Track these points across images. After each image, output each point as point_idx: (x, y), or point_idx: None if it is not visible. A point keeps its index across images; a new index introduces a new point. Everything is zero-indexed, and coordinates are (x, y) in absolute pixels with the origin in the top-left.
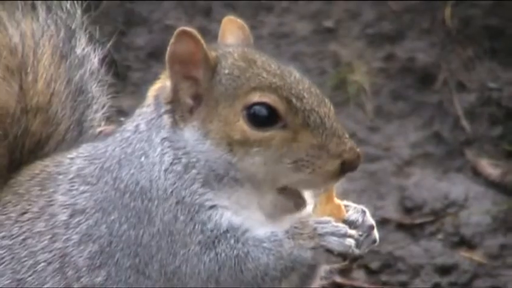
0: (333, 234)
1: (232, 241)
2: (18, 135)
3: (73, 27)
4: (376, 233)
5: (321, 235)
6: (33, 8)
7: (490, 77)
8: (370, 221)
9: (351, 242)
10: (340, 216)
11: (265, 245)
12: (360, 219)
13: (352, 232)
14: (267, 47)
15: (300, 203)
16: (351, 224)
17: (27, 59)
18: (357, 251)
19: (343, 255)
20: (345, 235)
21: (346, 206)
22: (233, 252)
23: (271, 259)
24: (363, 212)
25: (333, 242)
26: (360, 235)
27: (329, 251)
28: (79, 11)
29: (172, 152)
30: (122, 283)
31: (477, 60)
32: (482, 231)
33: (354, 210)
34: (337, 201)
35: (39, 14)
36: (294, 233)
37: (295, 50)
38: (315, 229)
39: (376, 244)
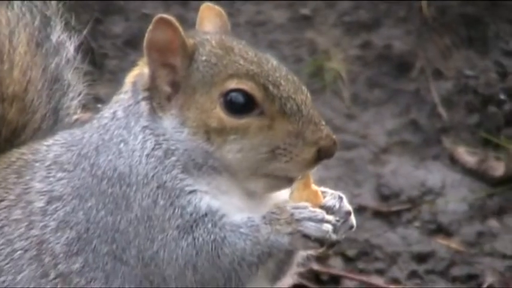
0: (310, 219)
1: (209, 225)
2: None
3: (48, 14)
4: (353, 219)
5: (298, 220)
6: None
7: (466, 64)
8: (347, 206)
9: (328, 227)
10: (317, 202)
11: (242, 230)
12: (337, 205)
13: (330, 217)
14: (244, 35)
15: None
16: (328, 209)
17: (3, 48)
18: (334, 237)
19: (320, 241)
20: (322, 220)
21: (323, 192)
22: (210, 236)
23: (248, 244)
24: (340, 198)
25: (310, 228)
26: (337, 221)
27: (306, 236)
28: None
29: (154, 139)
30: (99, 270)
31: (454, 48)
32: (459, 218)
33: (330, 196)
34: (314, 187)
35: (14, 2)
36: (271, 219)
37: (272, 37)
38: (292, 214)
39: (353, 230)
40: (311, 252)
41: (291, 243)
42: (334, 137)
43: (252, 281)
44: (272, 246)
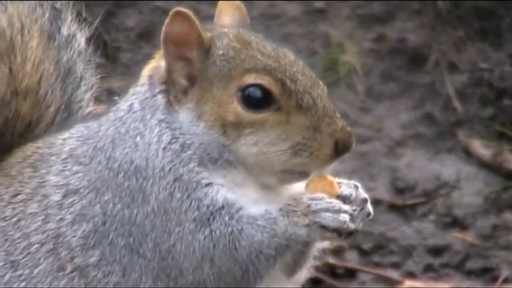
0: (327, 210)
1: (226, 218)
2: (9, 118)
3: (58, 7)
4: (369, 207)
5: (315, 212)
6: None
7: (481, 57)
8: (363, 194)
9: (345, 217)
10: (333, 192)
11: (259, 222)
12: (354, 194)
13: (346, 207)
14: (258, 28)
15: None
16: (345, 199)
17: (16, 42)
18: (351, 226)
19: (338, 231)
20: (339, 211)
21: (338, 182)
22: (227, 229)
23: (265, 237)
24: (356, 186)
25: (327, 218)
26: (354, 210)
27: (323, 227)
28: None
29: (170, 132)
30: (116, 263)
31: (468, 41)
32: (474, 212)
33: (346, 185)
34: (329, 177)
35: None
36: (287, 211)
37: (286, 30)
38: (308, 206)
39: (371, 217)
40: (329, 242)
41: (309, 234)
42: (349, 129)
43: (269, 273)
44: (290, 238)
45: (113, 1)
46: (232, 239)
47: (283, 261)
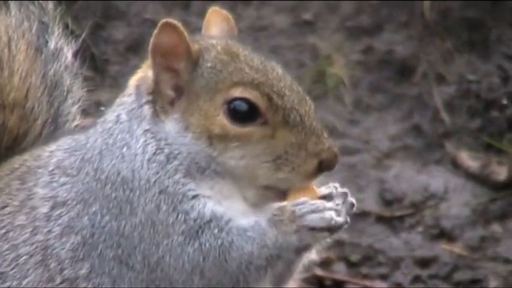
0: (312, 212)
1: (216, 230)
2: None
3: (45, 21)
4: (351, 198)
5: (300, 216)
6: (6, 4)
7: (468, 69)
8: (343, 189)
9: (330, 214)
10: (314, 196)
11: (249, 234)
12: (334, 191)
13: (329, 204)
14: (246, 40)
15: (282, 196)
16: (325, 197)
17: (2, 55)
18: (339, 220)
19: (327, 229)
20: (324, 209)
21: (316, 187)
22: (217, 242)
23: (255, 248)
24: (334, 186)
25: (314, 219)
26: (337, 204)
27: (313, 228)
28: (51, 5)
29: (155, 143)
30: (105, 275)
31: (456, 53)
32: (462, 223)
33: (325, 188)
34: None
35: (12, 9)
36: (275, 221)
37: (274, 43)
38: (293, 212)
39: (355, 208)
40: (319, 250)
41: (300, 239)
42: (336, 149)
43: (258, 284)
44: (281, 247)
45: (101, 13)
46: (222, 251)
47: (272, 272)
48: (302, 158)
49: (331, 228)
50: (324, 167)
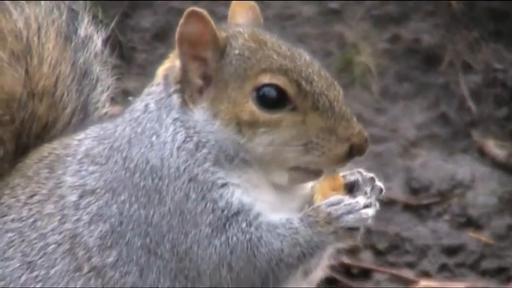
0: (348, 212)
1: (244, 225)
2: (25, 119)
3: (75, 8)
4: (379, 183)
5: (337, 218)
6: None
7: (495, 58)
8: (369, 174)
9: (367, 212)
10: (339, 184)
11: (279, 231)
12: (360, 178)
13: (363, 201)
14: (273, 29)
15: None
16: (352, 185)
17: (32, 43)
18: (372, 213)
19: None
20: (360, 209)
21: (342, 176)
22: (245, 236)
23: (285, 245)
24: (359, 172)
25: (351, 220)
26: (366, 193)
27: (350, 228)
28: None
29: (185, 131)
30: (133, 263)
31: (482, 42)
32: (489, 211)
33: (350, 174)
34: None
35: None
36: (309, 222)
37: (301, 31)
38: (329, 214)
39: (383, 193)
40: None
41: (337, 239)
42: (366, 134)
43: (288, 281)
44: (316, 247)
45: (128, 2)
46: (250, 246)
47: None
48: (333, 142)
49: (366, 225)
50: (354, 151)
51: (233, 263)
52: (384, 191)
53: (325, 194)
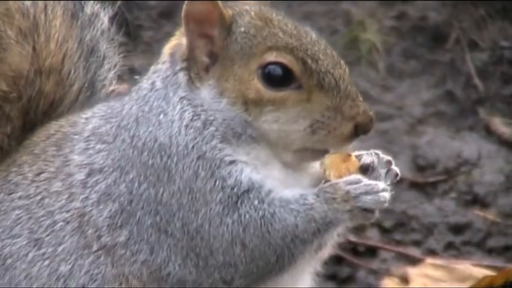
0: (367, 193)
1: (256, 202)
2: (32, 96)
3: None
4: (395, 167)
5: (355, 197)
6: None
7: (502, 35)
8: (386, 157)
9: (385, 196)
10: (355, 166)
11: (292, 206)
12: (375, 160)
13: (383, 185)
14: (279, 6)
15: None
16: (368, 166)
17: (39, 21)
18: (388, 197)
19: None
20: (379, 191)
21: (358, 155)
22: (258, 213)
23: (299, 221)
24: (376, 153)
25: (369, 202)
26: (380, 175)
27: (366, 209)
28: None
29: (192, 109)
30: (144, 242)
31: (489, 19)
32: (495, 189)
33: (366, 155)
34: (347, 152)
35: None
36: (326, 198)
37: (307, 9)
38: (348, 192)
39: (398, 177)
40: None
41: (351, 218)
42: (371, 113)
43: (304, 257)
44: (330, 223)
45: None
46: (264, 222)
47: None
48: (338, 121)
49: (381, 208)
50: (359, 130)
51: (247, 241)
52: (399, 175)
53: (338, 169)
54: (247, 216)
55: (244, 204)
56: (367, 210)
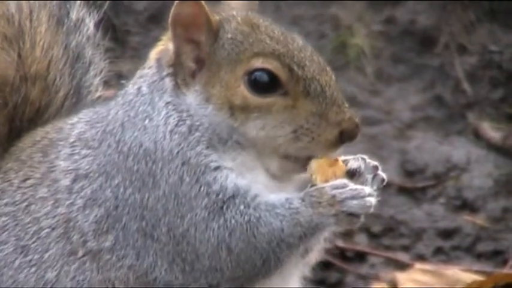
0: (352, 198)
1: (242, 207)
2: (18, 103)
3: None
4: (381, 173)
5: (341, 201)
6: None
7: (490, 39)
8: (373, 162)
9: (371, 201)
10: (342, 170)
11: (278, 210)
12: (362, 165)
13: (370, 190)
14: (267, 10)
15: (304, 166)
16: (355, 171)
17: (24, 27)
18: (374, 202)
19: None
20: (365, 196)
21: (344, 160)
22: (244, 218)
23: (284, 225)
24: (363, 158)
25: (354, 206)
26: (366, 180)
27: (351, 214)
28: None
29: (177, 115)
30: (129, 247)
31: (478, 23)
32: (485, 194)
33: (353, 160)
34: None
35: None
36: (311, 202)
37: (295, 13)
38: (333, 196)
39: (385, 183)
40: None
41: (337, 222)
42: (357, 119)
43: (290, 261)
44: (316, 227)
45: None
46: (250, 227)
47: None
48: (323, 127)
49: (367, 213)
50: (345, 137)
51: (232, 245)
52: (385, 180)
53: (324, 174)
54: (232, 221)
55: (229, 209)
56: (353, 215)
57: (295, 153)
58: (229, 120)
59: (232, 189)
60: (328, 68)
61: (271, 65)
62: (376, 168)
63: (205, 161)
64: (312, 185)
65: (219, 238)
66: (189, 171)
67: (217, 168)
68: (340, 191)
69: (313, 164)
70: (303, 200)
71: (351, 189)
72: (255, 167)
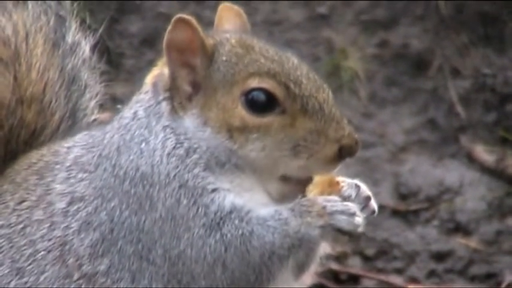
0: (342, 212)
1: (236, 221)
2: (14, 126)
3: (62, 14)
4: (373, 204)
5: (330, 214)
6: None
7: (484, 63)
8: (366, 192)
9: (359, 221)
10: (338, 192)
11: (269, 223)
12: (354, 194)
13: (360, 213)
14: (261, 34)
15: (304, 189)
16: (345, 199)
17: (20, 50)
18: (361, 228)
19: (350, 233)
20: (354, 214)
21: (342, 181)
22: (238, 231)
23: (276, 237)
24: (357, 186)
25: (342, 221)
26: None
27: (338, 229)
28: None
29: (175, 137)
30: (125, 270)
31: (471, 46)
32: (478, 217)
33: (347, 186)
34: (332, 176)
35: (29, 4)
36: (301, 211)
37: (289, 36)
38: (324, 207)
39: (375, 215)
40: (334, 246)
41: (322, 235)
42: (356, 136)
43: (282, 274)
44: (302, 238)
45: (116, 7)
46: (243, 241)
47: (292, 263)
48: (321, 144)
49: (353, 234)
50: (344, 153)
51: (227, 262)
52: (376, 212)
53: (321, 190)
54: (228, 235)
55: (226, 224)
56: (340, 231)
57: (295, 174)
58: (227, 142)
59: (230, 207)
60: (325, 85)
61: (268, 84)
62: (368, 199)
63: (203, 183)
64: (303, 197)
65: (216, 254)
66: (187, 193)
67: (214, 190)
68: (332, 203)
69: (314, 181)
70: (292, 209)
71: (342, 205)
72: (253, 188)
